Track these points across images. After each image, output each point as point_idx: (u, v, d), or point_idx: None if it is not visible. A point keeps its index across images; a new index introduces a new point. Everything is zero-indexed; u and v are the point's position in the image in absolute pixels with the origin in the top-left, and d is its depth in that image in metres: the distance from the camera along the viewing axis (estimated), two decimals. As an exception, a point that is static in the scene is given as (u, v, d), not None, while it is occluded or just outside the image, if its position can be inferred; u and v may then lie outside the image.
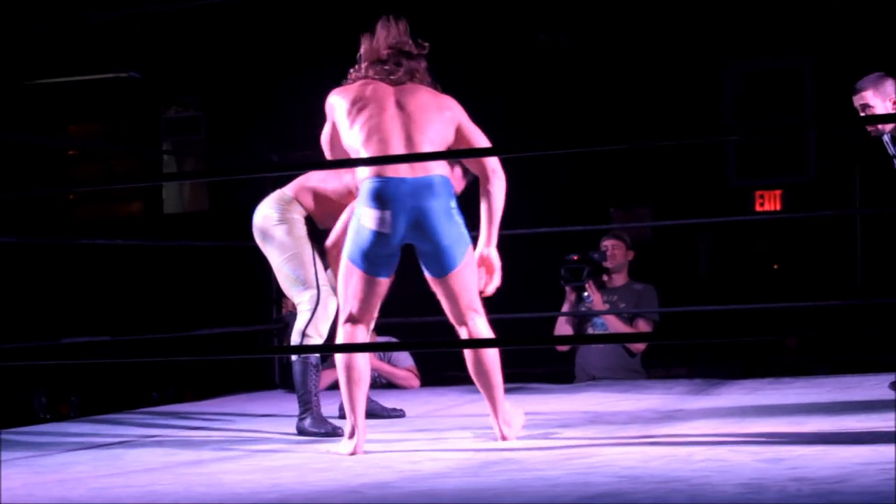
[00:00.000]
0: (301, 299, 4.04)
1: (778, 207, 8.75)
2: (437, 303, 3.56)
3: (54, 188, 8.04)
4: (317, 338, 3.98)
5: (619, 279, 5.91)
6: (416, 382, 5.60)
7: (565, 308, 5.91)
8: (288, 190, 4.15)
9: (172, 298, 9.13)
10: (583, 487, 2.62)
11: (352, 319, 3.50)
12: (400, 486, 2.82)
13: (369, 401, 4.09)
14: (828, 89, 7.81)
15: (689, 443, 3.32)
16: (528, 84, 8.55)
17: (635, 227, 8.16)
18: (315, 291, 4.01)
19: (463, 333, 3.51)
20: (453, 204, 3.45)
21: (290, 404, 4.32)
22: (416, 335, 5.74)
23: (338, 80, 3.60)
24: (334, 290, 3.91)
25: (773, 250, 9.08)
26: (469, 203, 3.60)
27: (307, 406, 3.95)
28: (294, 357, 4.01)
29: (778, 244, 9.03)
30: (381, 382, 5.50)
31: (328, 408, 4.15)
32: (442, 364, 6.22)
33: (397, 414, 4.44)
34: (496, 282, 3.58)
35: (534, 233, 6.37)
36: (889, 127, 4.24)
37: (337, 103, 3.52)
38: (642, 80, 8.55)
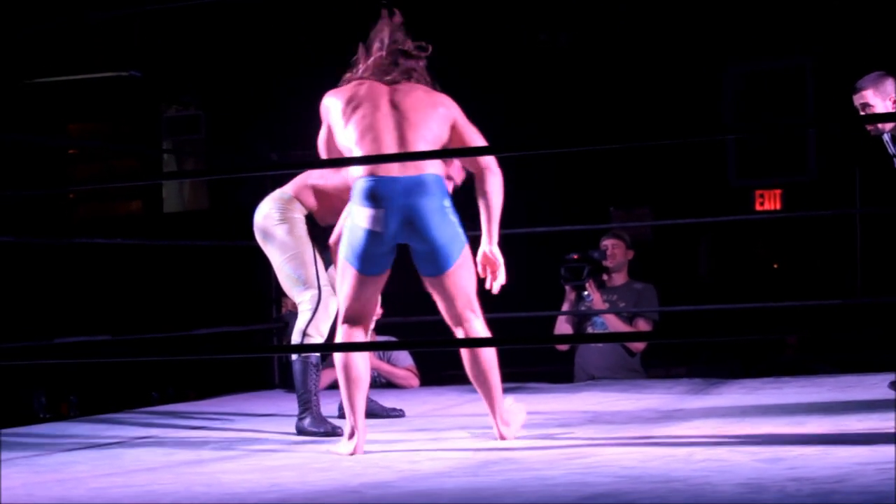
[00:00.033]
0: (302, 299, 4.04)
1: (778, 207, 8.76)
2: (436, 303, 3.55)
3: (54, 187, 8.04)
4: (317, 337, 3.98)
5: (619, 278, 5.91)
6: (415, 382, 5.60)
7: (565, 307, 5.91)
8: (288, 189, 4.15)
9: (172, 298, 9.13)
10: (582, 487, 2.62)
11: (350, 319, 3.50)
12: (399, 486, 2.82)
13: (369, 401, 4.09)
14: (828, 89, 7.81)
15: (688, 443, 3.31)
16: (527, 84, 8.55)
17: (635, 227, 8.16)
18: (316, 291, 4.01)
19: (459, 334, 3.50)
20: (447, 203, 3.44)
21: (290, 404, 4.32)
22: (416, 334, 5.74)
23: (338, 80, 3.60)
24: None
25: (772, 250, 9.08)
26: (470, 203, 3.60)
27: (307, 406, 3.94)
28: (294, 356, 4.01)
29: (778, 244, 9.04)
30: (380, 382, 5.50)
31: (328, 407, 4.15)
32: (441, 363, 6.22)
33: (397, 414, 4.44)
34: (501, 279, 3.58)
35: (534, 232, 6.37)
36: (889, 126, 4.24)
37: (331, 104, 3.52)
38: (642, 79, 8.55)
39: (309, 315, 4.00)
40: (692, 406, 4.36)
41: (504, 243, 3.63)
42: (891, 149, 4.34)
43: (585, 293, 5.85)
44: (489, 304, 3.65)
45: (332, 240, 4.13)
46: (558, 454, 3.22)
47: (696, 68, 8.60)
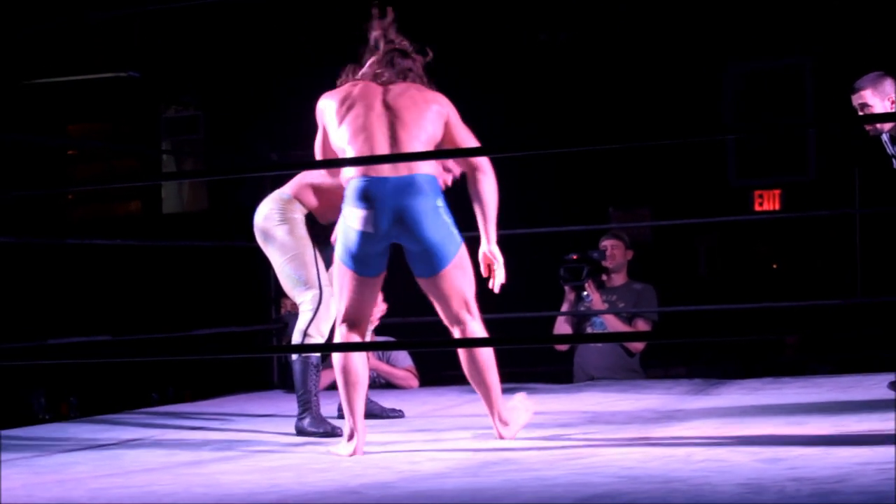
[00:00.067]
0: (303, 299, 4.03)
1: (777, 207, 8.76)
2: (436, 303, 3.55)
3: (54, 187, 8.05)
4: (318, 338, 3.98)
5: (619, 279, 5.91)
6: (414, 382, 5.60)
7: (564, 307, 5.91)
8: (287, 189, 4.15)
9: (171, 298, 9.13)
10: (582, 488, 2.62)
11: (348, 320, 3.50)
12: (399, 487, 2.82)
13: (368, 401, 4.09)
14: (828, 89, 7.81)
15: (688, 443, 3.31)
16: (527, 83, 8.55)
17: (635, 227, 8.17)
18: (317, 291, 4.01)
19: (456, 335, 3.49)
20: (441, 203, 3.43)
21: (289, 404, 4.32)
22: (415, 335, 5.74)
23: (337, 80, 3.60)
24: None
25: (772, 250, 9.09)
26: (467, 203, 3.60)
27: (306, 406, 3.94)
28: (294, 357, 4.01)
29: (777, 244, 9.04)
30: (379, 382, 5.50)
31: (327, 408, 4.15)
32: (441, 364, 6.21)
33: (396, 414, 4.44)
34: (500, 277, 3.57)
35: (533, 232, 6.37)
36: (888, 126, 4.24)
37: (326, 106, 3.52)
38: (642, 79, 8.55)
39: (310, 315, 4.00)
40: (692, 406, 4.36)
41: (504, 243, 3.63)
42: (889, 149, 4.34)
43: (585, 293, 5.85)
44: (489, 304, 3.65)
45: (334, 237, 4.13)
46: (558, 454, 3.22)
47: (696, 68, 8.61)
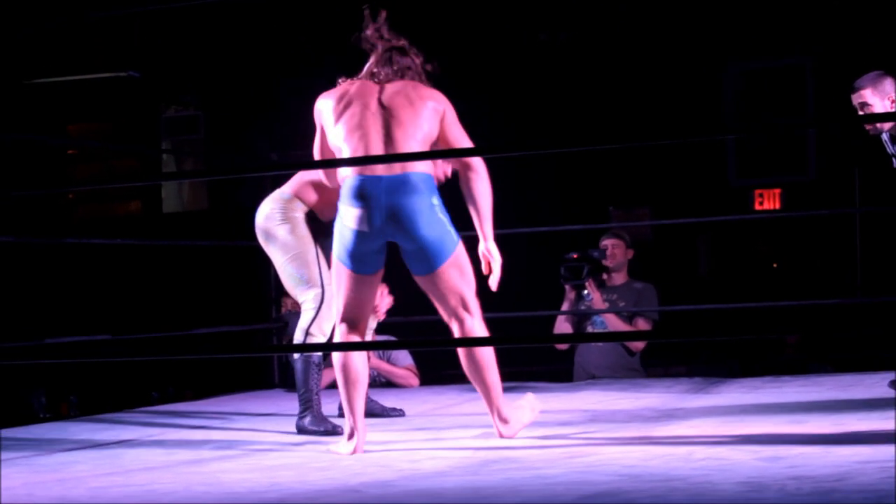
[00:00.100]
0: (305, 298, 4.04)
1: (777, 207, 8.77)
2: (436, 302, 3.55)
3: (54, 187, 8.05)
4: (320, 336, 3.98)
5: (619, 278, 5.91)
6: (415, 381, 5.60)
7: (565, 307, 5.91)
8: (287, 189, 4.15)
9: (171, 298, 9.13)
10: (582, 486, 2.62)
11: (347, 318, 3.50)
12: (399, 485, 2.82)
13: (369, 400, 4.10)
14: (828, 89, 7.82)
15: (688, 441, 3.31)
16: (527, 84, 8.55)
17: (635, 226, 8.17)
18: (319, 290, 4.01)
19: (455, 332, 3.50)
20: (436, 201, 3.43)
21: (290, 403, 4.32)
22: (416, 334, 5.74)
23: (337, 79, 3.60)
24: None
25: (772, 249, 9.09)
26: (463, 204, 3.60)
27: (308, 404, 3.95)
28: (296, 355, 4.01)
29: (777, 243, 9.05)
30: (380, 381, 5.51)
31: (328, 406, 4.15)
32: (441, 363, 6.21)
33: (397, 413, 4.44)
34: (497, 274, 3.57)
35: (533, 231, 6.37)
36: (888, 126, 4.23)
37: (323, 106, 3.53)
38: (642, 79, 8.55)
39: (312, 314, 4.00)
40: (692, 405, 4.36)
41: (504, 243, 3.63)
42: (889, 148, 4.33)
43: (585, 292, 5.85)
44: (489, 304, 3.65)
45: None
46: (558, 453, 3.22)
47: (696, 68, 8.61)
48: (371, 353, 4.90)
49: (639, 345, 5.80)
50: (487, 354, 3.47)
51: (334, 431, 3.84)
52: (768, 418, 3.79)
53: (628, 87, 8.56)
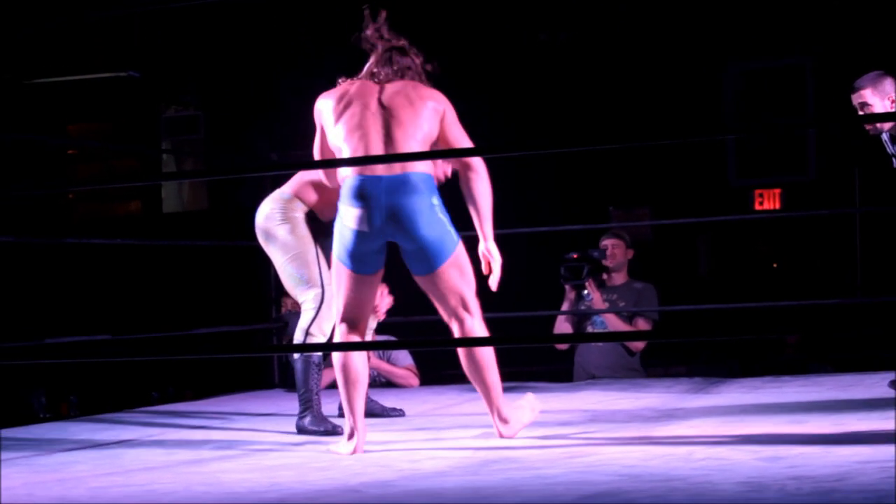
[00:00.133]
0: (305, 298, 4.04)
1: (777, 207, 8.77)
2: (436, 302, 3.55)
3: (54, 187, 8.05)
4: (320, 336, 3.98)
5: (619, 278, 5.91)
6: (415, 381, 5.60)
7: (565, 307, 5.91)
8: (287, 189, 4.15)
9: (171, 298, 9.13)
10: (582, 486, 2.62)
11: (347, 318, 3.50)
12: (399, 485, 2.82)
13: (369, 400, 4.10)
14: (828, 89, 7.82)
15: (688, 441, 3.31)
16: (527, 84, 8.55)
17: (635, 226, 8.17)
18: (319, 290, 4.01)
19: (455, 332, 3.50)
20: (436, 200, 3.43)
21: (290, 403, 4.32)
22: (416, 334, 5.74)
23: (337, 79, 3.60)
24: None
25: (772, 249, 9.09)
26: (462, 203, 3.60)
27: (308, 404, 3.95)
28: (296, 355, 4.01)
29: (777, 243, 9.05)
30: (380, 381, 5.50)
31: (328, 406, 4.15)
32: (441, 363, 6.22)
33: (397, 413, 4.44)
34: (497, 274, 3.57)
35: (533, 231, 6.37)
36: (888, 125, 4.23)
37: (323, 106, 3.53)
38: (642, 79, 8.55)
39: (312, 314, 4.00)
40: (692, 405, 4.36)
41: (504, 243, 3.63)
42: (889, 148, 4.33)
43: (585, 292, 5.85)
44: (489, 304, 3.65)
45: None
46: (558, 453, 3.22)
47: (696, 68, 8.61)
48: (371, 353, 4.90)
49: (639, 345, 5.80)
50: (487, 354, 3.48)
51: (334, 431, 3.84)
52: (768, 418, 3.79)
53: (628, 86, 8.56)
